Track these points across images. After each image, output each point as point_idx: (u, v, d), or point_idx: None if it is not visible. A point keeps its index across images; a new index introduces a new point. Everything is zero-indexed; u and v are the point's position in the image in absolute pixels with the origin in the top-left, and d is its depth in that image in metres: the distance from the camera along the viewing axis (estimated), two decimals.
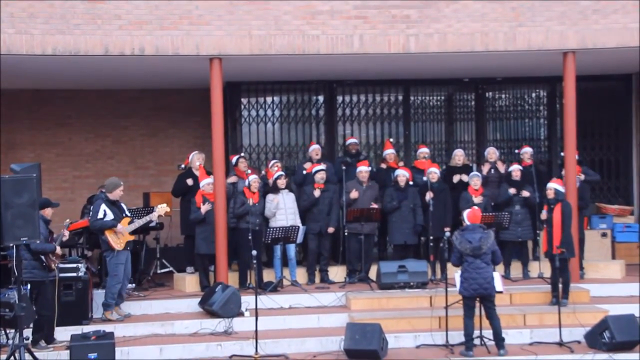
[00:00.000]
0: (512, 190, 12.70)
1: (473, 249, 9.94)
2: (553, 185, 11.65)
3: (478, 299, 10.10)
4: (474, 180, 12.72)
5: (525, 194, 12.63)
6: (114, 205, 11.23)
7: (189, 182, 12.74)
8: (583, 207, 12.80)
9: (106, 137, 15.49)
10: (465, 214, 10.42)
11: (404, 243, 12.69)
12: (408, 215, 12.63)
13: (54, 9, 11.49)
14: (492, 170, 13.20)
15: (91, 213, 11.28)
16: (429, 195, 12.52)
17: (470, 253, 9.95)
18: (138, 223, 11.39)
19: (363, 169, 12.79)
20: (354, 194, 12.59)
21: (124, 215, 11.33)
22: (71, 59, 11.75)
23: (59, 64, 12.17)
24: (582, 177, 12.84)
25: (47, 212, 10.37)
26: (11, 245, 9.22)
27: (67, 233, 10.58)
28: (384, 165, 13.56)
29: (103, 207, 11.12)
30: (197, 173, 12.75)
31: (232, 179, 12.57)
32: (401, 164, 13.46)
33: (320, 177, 12.69)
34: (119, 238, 11.14)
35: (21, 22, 11.40)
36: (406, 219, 12.62)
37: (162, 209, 11.55)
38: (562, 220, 11.40)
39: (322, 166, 12.86)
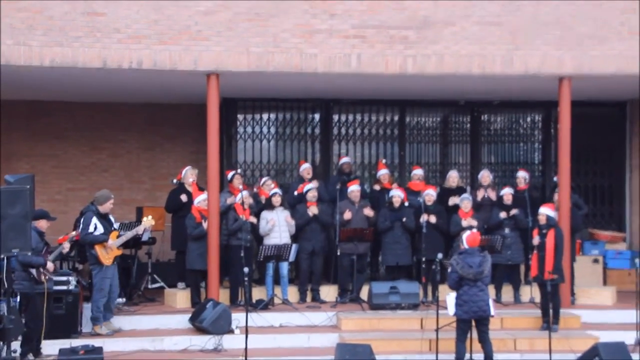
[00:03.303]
0: (502, 214, 12.70)
1: (475, 273, 9.91)
2: (545, 211, 11.65)
3: (474, 322, 10.07)
4: (465, 203, 12.72)
5: (514, 211, 12.62)
6: (103, 218, 11.21)
7: (183, 198, 12.74)
8: (575, 231, 12.81)
9: (102, 150, 15.48)
10: (465, 237, 10.36)
11: (396, 264, 12.69)
12: (401, 236, 12.63)
13: (54, 22, 11.52)
14: (486, 195, 13.20)
15: (81, 226, 11.20)
16: (424, 217, 12.51)
17: (473, 278, 9.92)
18: (125, 237, 11.38)
19: (354, 188, 12.81)
20: (347, 215, 12.59)
21: (112, 229, 11.32)
22: (69, 71, 11.77)
23: (57, 76, 12.18)
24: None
25: (42, 224, 10.28)
26: (2, 256, 9.17)
27: (67, 246, 10.51)
28: (377, 187, 13.56)
29: (94, 220, 11.07)
30: (189, 189, 12.75)
31: (230, 199, 12.49)
32: (395, 185, 13.43)
33: (312, 195, 12.71)
34: (107, 253, 11.10)
35: (20, 33, 11.43)
36: (399, 239, 12.63)
37: (147, 221, 11.57)
38: (555, 245, 11.40)
39: (313, 184, 12.88)
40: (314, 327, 11.73)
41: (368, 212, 12.72)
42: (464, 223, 12.44)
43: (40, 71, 11.79)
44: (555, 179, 13.18)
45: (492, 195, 13.20)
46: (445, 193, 13.43)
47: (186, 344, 11.06)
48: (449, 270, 10.17)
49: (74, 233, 10.87)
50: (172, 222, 13.08)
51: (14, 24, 11.42)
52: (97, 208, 11.21)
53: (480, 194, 13.20)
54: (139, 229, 11.59)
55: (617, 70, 12.19)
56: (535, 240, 11.65)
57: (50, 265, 10.04)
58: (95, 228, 11.05)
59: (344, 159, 14.00)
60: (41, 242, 10.20)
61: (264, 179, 13.29)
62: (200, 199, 12.27)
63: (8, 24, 11.39)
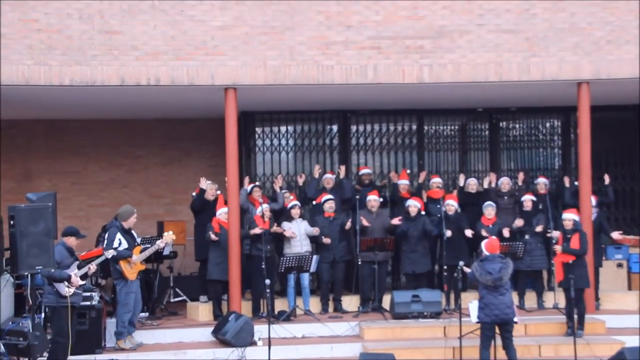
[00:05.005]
0: (518, 223, 12.62)
1: (494, 280, 9.90)
2: (571, 216, 11.63)
3: (497, 328, 10.04)
4: (488, 210, 12.70)
5: (539, 228, 12.57)
6: (127, 233, 11.32)
7: (208, 196, 12.71)
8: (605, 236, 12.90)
9: (121, 166, 15.60)
10: (483, 244, 10.38)
11: (412, 272, 12.65)
12: (417, 244, 12.59)
13: (72, 41, 11.65)
14: (506, 198, 13.16)
15: (106, 242, 11.30)
16: (447, 233, 12.40)
17: (492, 284, 9.91)
18: (148, 252, 11.50)
19: (372, 198, 12.84)
20: (364, 222, 12.59)
21: (135, 244, 11.42)
22: (88, 89, 11.89)
23: (76, 94, 12.30)
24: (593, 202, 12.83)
25: (71, 241, 10.33)
26: (26, 274, 9.26)
27: (94, 268, 10.59)
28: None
29: (118, 236, 11.19)
30: (210, 198, 12.82)
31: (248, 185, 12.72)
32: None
33: (329, 206, 12.75)
34: (132, 268, 11.20)
35: (40, 53, 11.57)
36: (415, 248, 12.59)
37: (168, 236, 11.64)
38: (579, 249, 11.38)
39: (330, 195, 12.93)
40: (336, 337, 11.73)
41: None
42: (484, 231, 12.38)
43: (59, 90, 11.90)
44: (576, 183, 13.15)
45: (520, 179, 13.40)
46: (465, 197, 13.41)
47: (209, 356, 11.10)
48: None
49: (111, 251, 10.89)
50: (195, 232, 13.12)
51: (33, 44, 11.56)
52: (121, 224, 11.31)
53: (492, 178, 13.35)
54: (160, 244, 11.65)
55: (634, 73, 12.13)
56: (555, 233, 11.68)
57: (74, 279, 10.07)
58: (120, 243, 11.14)
59: (364, 170, 14.04)
60: (70, 258, 10.23)
61: (282, 192, 13.33)
62: (221, 212, 12.33)
63: (27, 44, 11.54)
